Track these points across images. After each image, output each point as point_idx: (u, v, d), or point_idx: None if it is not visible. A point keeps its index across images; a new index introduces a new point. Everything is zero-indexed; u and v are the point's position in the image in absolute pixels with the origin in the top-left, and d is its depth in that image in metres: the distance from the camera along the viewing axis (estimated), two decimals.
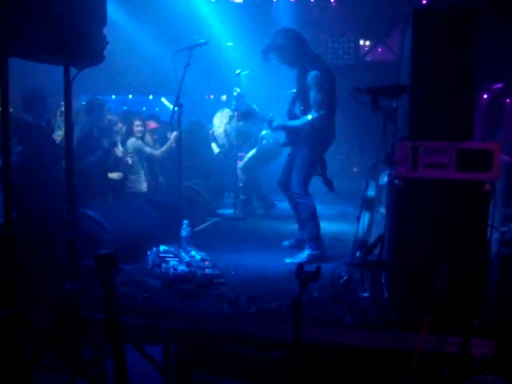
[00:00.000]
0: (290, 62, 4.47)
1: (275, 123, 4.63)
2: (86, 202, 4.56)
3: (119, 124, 6.57)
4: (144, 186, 6.54)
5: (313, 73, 4.27)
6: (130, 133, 6.69)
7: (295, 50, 4.41)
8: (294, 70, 4.54)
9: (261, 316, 3.14)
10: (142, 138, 6.82)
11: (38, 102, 4.85)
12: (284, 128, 4.61)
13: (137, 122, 6.76)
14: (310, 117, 4.30)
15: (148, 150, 6.69)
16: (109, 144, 5.79)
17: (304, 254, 4.38)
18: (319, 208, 4.63)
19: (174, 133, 6.63)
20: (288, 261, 4.32)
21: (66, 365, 2.77)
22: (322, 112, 4.27)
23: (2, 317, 2.57)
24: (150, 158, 6.78)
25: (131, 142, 6.59)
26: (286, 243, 4.90)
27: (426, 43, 2.94)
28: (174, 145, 6.62)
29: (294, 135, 4.54)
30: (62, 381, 2.73)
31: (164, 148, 6.80)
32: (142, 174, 6.61)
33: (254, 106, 5.08)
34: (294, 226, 4.97)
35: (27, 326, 2.68)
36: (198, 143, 7.51)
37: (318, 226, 4.49)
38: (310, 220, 4.48)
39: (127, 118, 6.94)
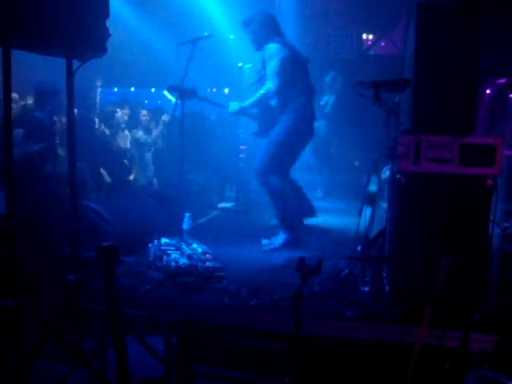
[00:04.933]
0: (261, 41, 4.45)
1: (232, 107, 4.54)
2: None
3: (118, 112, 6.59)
4: (142, 178, 6.54)
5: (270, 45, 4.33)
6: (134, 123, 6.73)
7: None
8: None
9: (261, 309, 3.15)
10: (148, 128, 6.85)
11: (50, 96, 4.89)
12: (242, 110, 4.53)
13: (143, 112, 6.79)
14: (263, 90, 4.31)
15: (143, 138, 6.70)
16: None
17: (279, 240, 4.47)
18: (320, 203, 4.65)
19: (164, 116, 6.64)
20: (264, 242, 4.49)
21: (67, 355, 2.79)
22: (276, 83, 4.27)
23: (5, 307, 2.58)
24: (151, 150, 6.80)
25: (132, 133, 6.61)
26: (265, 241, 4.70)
27: (430, 37, 2.92)
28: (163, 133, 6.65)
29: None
30: (62, 371, 2.75)
31: (155, 133, 6.80)
32: (141, 165, 6.62)
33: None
34: None
35: (29, 316, 2.69)
36: (201, 135, 7.51)
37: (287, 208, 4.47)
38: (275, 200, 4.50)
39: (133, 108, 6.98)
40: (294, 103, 4.41)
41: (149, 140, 6.73)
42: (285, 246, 4.39)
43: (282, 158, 4.47)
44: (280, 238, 4.47)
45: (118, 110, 7.00)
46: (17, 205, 2.62)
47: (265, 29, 4.43)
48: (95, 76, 6.58)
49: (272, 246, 4.46)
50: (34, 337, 2.79)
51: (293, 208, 4.49)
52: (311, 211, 5.11)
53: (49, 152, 4.80)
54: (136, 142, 6.59)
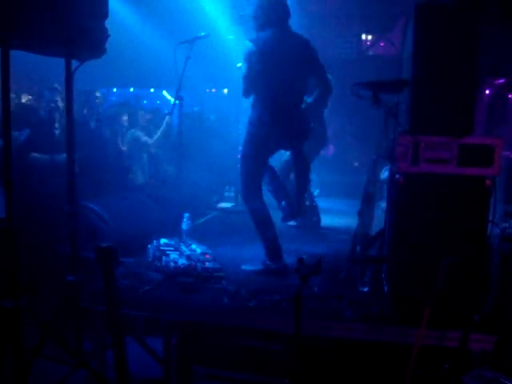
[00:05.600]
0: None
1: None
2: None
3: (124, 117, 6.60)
4: (140, 178, 6.54)
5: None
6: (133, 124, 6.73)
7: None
8: None
9: (261, 309, 3.15)
10: (147, 129, 6.86)
11: (51, 95, 4.91)
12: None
13: (141, 112, 6.84)
14: None
15: (143, 138, 6.71)
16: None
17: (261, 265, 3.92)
18: (321, 203, 4.62)
19: (166, 118, 6.66)
20: (243, 267, 3.96)
21: (67, 356, 2.79)
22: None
23: (5, 307, 2.58)
24: (149, 150, 6.80)
25: (130, 132, 6.62)
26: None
27: (428, 37, 2.92)
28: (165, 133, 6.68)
29: None
30: (61, 371, 2.75)
31: (158, 135, 6.82)
32: (139, 166, 6.61)
33: None
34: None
35: (29, 316, 2.69)
36: (201, 135, 7.51)
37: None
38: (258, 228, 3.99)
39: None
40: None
41: (149, 141, 6.74)
42: (266, 273, 3.82)
43: (253, 173, 3.96)
44: (262, 263, 3.92)
45: (125, 113, 7.04)
46: (16, 204, 2.62)
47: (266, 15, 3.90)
48: (96, 77, 6.58)
49: (252, 268, 3.93)
50: (33, 337, 2.79)
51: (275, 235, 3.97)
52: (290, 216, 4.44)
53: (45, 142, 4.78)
54: (134, 142, 6.59)
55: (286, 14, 4.00)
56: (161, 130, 6.77)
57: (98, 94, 6.35)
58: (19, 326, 2.61)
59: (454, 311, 2.84)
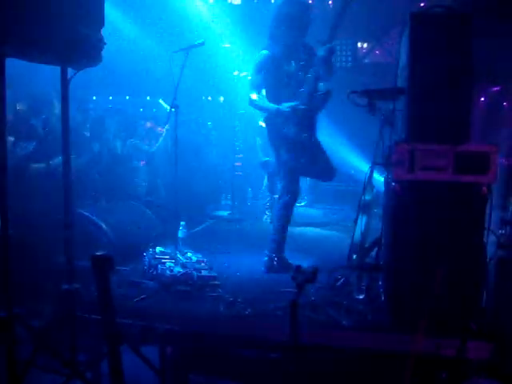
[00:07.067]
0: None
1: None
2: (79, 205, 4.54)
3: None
4: (138, 187, 6.51)
5: None
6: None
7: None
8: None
9: (257, 318, 3.13)
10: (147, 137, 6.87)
11: (44, 105, 4.89)
12: None
13: (141, 122, 6.88)
14: None
15: (144, 147, 6.71)
16: (100, 145, 5.78)
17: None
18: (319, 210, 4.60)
19: (166, 126, 6.66)
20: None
21: (61, 366, 2.76)
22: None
23: None
24: (148, 159, 6.79)
25: (130, 141, 6.61)
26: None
27: (423, 46, 2.94)
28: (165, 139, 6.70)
29: None
30: (56, 382, 2.72)
31: (159, 142, 6.83)
32: (136, 174, 6.59)
33: None
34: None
35: (23, 326, 2.67)
36: (197, 143, 7.51)
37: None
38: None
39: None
40: None
41: (151, 150, 6.76)
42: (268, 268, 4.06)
43: None
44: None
45: (148, 123, 7.06)
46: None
47: None
48: (91, 85, 6.58)
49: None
50: (30, 346, 2.76)
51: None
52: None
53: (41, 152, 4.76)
54: (135, 151, 6.58)
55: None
56: (162, 137, 6.78)
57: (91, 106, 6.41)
58: (12, 335, 2.58)
59: (451, 319, 2.83)
